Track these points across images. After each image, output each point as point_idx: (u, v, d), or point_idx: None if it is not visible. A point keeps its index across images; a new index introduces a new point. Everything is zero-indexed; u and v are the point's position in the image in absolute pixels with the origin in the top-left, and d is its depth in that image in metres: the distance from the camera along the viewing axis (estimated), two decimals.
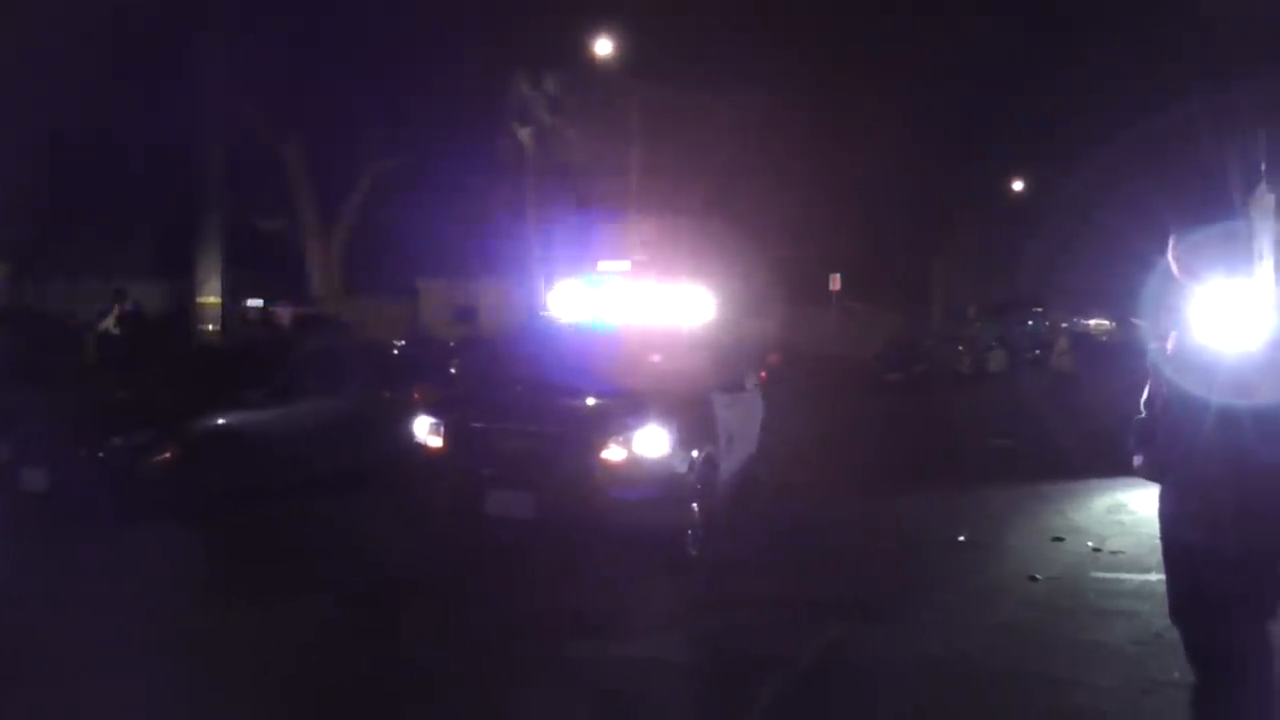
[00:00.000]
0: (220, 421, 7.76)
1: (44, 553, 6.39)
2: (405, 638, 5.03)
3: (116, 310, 13.59)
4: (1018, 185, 38.92)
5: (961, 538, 7.21)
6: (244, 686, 4.37)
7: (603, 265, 8.53)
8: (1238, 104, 16.57)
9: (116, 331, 13.41)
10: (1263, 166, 9.12)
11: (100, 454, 7.22)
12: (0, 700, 4.16)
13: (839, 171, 25.59)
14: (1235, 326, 3.24)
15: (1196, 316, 3.30)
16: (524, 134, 23.27)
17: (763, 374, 9.71)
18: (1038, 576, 6.13)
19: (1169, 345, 3.37)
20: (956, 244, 34.37)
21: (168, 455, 7.32)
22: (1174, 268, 3.40)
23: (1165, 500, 3.44)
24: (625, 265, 8.63)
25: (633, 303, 7.70)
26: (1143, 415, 3.54)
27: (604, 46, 21.93)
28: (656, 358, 7.36)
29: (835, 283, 28.23)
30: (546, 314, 8.20)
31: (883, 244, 30.47)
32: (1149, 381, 3.51)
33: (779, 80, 22.98)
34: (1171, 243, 3.41)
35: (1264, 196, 9.02)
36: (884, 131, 25.66)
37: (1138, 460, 3.56)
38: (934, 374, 25.03)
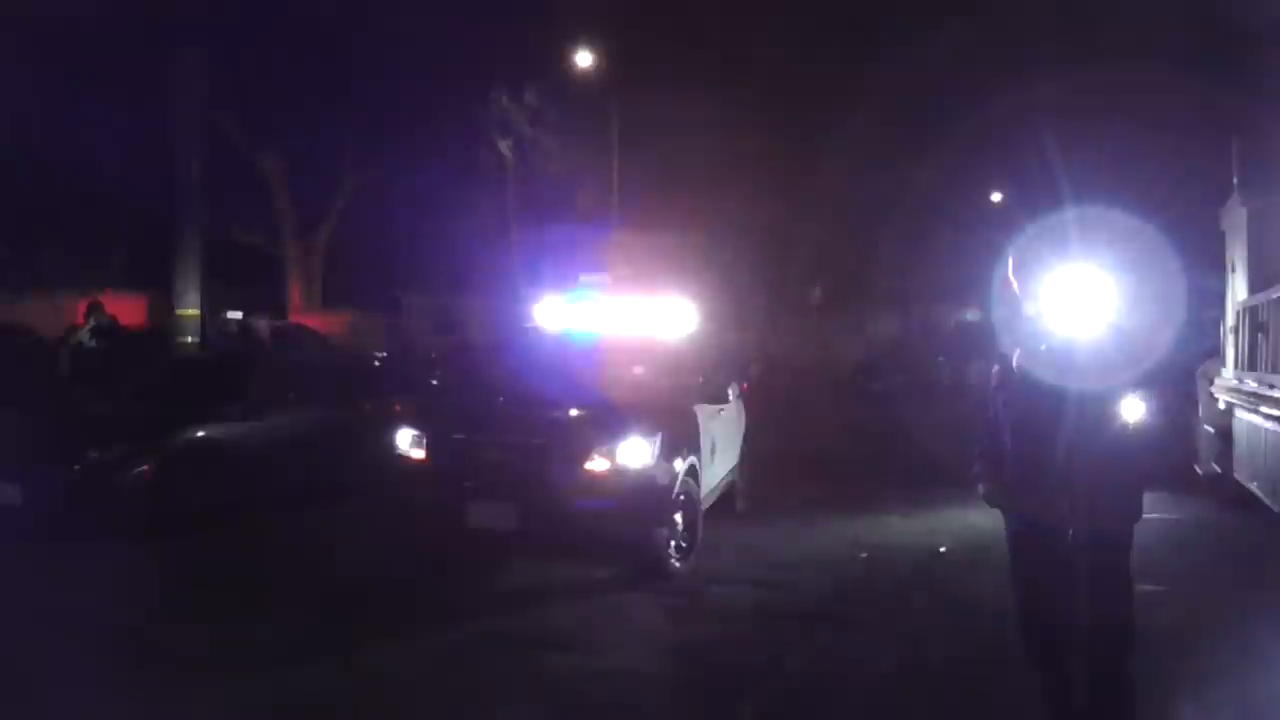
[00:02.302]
0: (199, 434, 7.69)
1: (17, 568, 6.28)
2: (384, 651, 4.99)
3: (92, 323, 13.42)
4: (996, 196, 39.22)
5: (943, 548, 7.24)
6: (217, 701, 4.32)
7: (585, 277, 8.50)
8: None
9: (92, 344, 13.24)
10: (1235, 179, 9.19)
11: (76, 467, 7.13)
12: None
13: (820, 182, 25.73)
14: (1079, 313, 3.42)
15: (1046, 307, 3.48)
16: (504, 146, 23.26)
17: (745, 385, 9.73)
18: None
19: (1014, 358, 3.53)
20: (936, 252, 34.51)
21: (145, 469, 7.24)
22: (1010, 277, 3.57)
23: (1017, 490, 3.54)
24: (607, 277, 8.62)
25: (615, 314, 7.71)
26: (985, 435, 3.62)
27: (584, 58, 21.98)
28: (639, 369, 7.37)
29: (816, 295, 28.40)
30: (531, 326, 8.19)
31: (864, 254, 30.62)
32: (993, 389, 3.67)
33: (759, 91, 23.11)
34: (1010, 257, 3.58)
35: (1236, 209, 9.10)
36: (863, 141, 25.80)
37: (982, 488, 3.63)
38: (915, 384, 25.18)
